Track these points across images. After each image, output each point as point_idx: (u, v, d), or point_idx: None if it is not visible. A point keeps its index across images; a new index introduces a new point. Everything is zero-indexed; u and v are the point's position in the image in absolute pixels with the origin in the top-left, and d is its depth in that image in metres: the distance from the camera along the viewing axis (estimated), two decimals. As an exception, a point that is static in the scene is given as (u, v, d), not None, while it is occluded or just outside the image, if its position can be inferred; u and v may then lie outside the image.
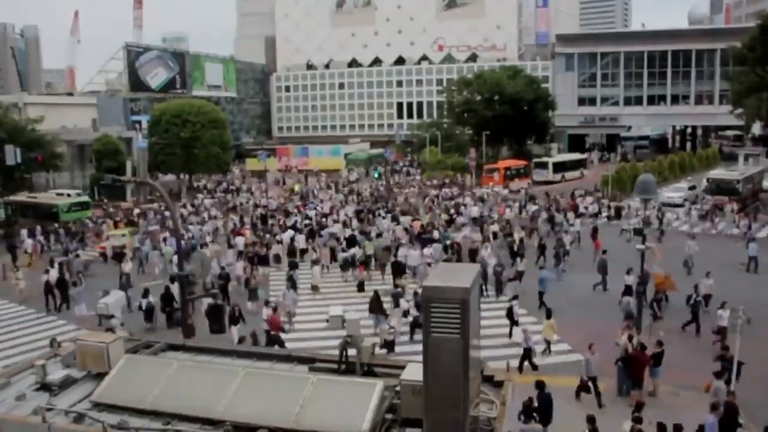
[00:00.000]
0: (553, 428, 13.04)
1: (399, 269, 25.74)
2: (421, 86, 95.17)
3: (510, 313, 20.07)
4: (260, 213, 42.34)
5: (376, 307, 20.48)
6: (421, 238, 30.47)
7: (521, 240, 30.71)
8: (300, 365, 7.98)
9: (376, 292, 21.25)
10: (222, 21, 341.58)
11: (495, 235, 33.02)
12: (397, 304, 20.95)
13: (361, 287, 25.52)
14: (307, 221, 37.34)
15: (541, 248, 29.95)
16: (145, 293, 22.22)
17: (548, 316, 18.86)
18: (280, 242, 31.50)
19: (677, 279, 22.39)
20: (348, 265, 27.61)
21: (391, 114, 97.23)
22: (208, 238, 33.74)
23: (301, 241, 31.64)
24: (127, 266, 27.11)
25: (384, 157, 76.80)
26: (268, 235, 33.52)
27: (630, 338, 16.05)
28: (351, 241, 30.41)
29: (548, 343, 18.61)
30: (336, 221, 37.19)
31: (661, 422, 12.00)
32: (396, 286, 23.68)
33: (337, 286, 26.81)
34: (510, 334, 19.69)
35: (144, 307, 21.81)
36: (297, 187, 54.17)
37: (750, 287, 23.72)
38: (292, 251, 30.04)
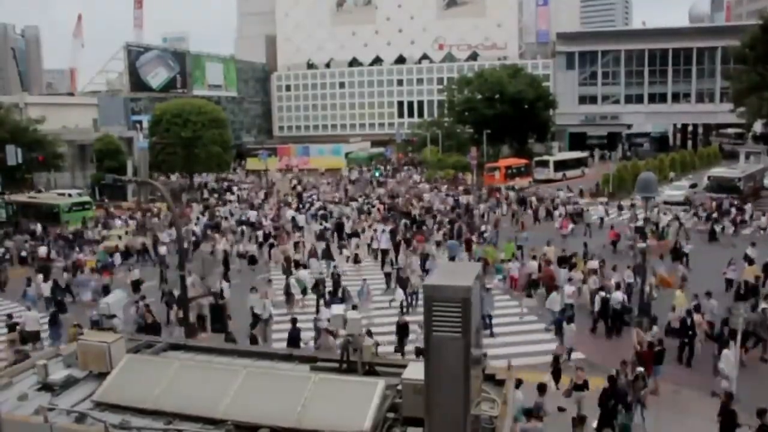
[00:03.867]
0: (552, 426, 13.04)
1: (340, 229, 34.08)
2: (422, 85, 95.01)
3: None
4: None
5: (326, 255, 28.18)
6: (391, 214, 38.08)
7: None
8: (301, 364, 7.99)
9: (327, 243, 29.92)
10: (222, 20, 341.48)
11: (594, 269, 22.20)
12: (341, 252, 30.38)
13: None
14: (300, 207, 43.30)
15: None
16: (163, 258, 29.80)
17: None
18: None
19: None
20: (322, 236, 33.38)
21: (392, 113, 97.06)
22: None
23: (301, 221, 36.38)
24: (163, 248, 31.18)
25: (384, 156, 76.74)
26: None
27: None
28: (324, 217, 38.06)
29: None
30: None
31: None
32: (341, 239, 33.15)
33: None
34: None
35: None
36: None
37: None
38: (296, 227, 35.54)
